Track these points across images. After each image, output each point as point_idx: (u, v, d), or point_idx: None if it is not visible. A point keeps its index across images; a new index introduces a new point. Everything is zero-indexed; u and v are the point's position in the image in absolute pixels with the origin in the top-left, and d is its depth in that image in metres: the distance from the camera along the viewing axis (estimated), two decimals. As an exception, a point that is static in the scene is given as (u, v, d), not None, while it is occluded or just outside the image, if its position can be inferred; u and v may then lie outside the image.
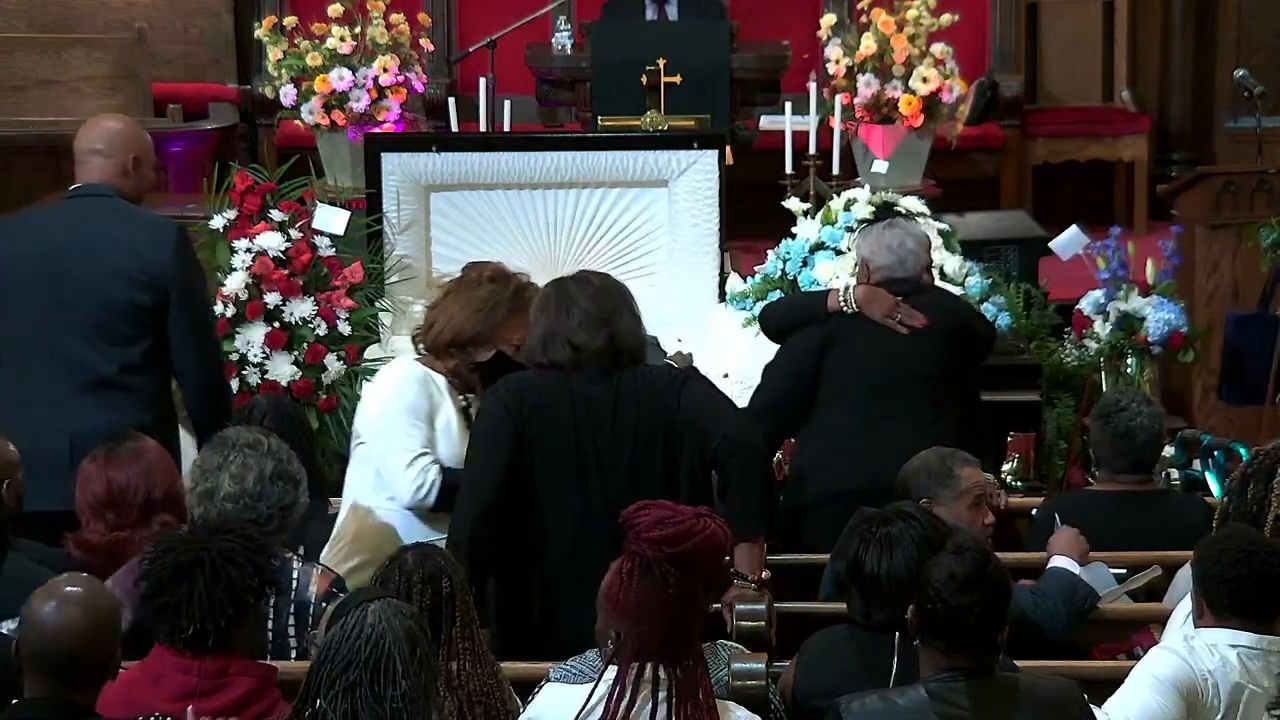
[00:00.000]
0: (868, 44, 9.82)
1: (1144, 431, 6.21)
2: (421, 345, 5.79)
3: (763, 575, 5.31)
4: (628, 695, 4.16)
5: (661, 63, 9.15)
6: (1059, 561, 5.65)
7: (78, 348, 6.11)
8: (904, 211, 8.01)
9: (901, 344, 6.52)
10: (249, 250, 7.90)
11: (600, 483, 5.20)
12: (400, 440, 5.65)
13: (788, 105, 9.31)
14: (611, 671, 4.22)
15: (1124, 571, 5.83)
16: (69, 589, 4.26)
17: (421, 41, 10.16)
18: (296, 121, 10.01)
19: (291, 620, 5.09)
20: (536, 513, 5.21)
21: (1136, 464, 6.23)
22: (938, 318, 6.68)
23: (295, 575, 5.11)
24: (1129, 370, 8.22)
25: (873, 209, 8.14)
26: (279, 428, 5.89)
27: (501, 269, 5.85)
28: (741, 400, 6.76)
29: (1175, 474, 7.40)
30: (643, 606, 4.17)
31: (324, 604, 5.01)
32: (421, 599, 4.40)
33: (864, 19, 10.03)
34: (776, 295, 8.15)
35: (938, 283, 8.00)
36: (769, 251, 8.49)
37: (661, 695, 4.15)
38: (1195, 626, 4.89)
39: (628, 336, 5.29)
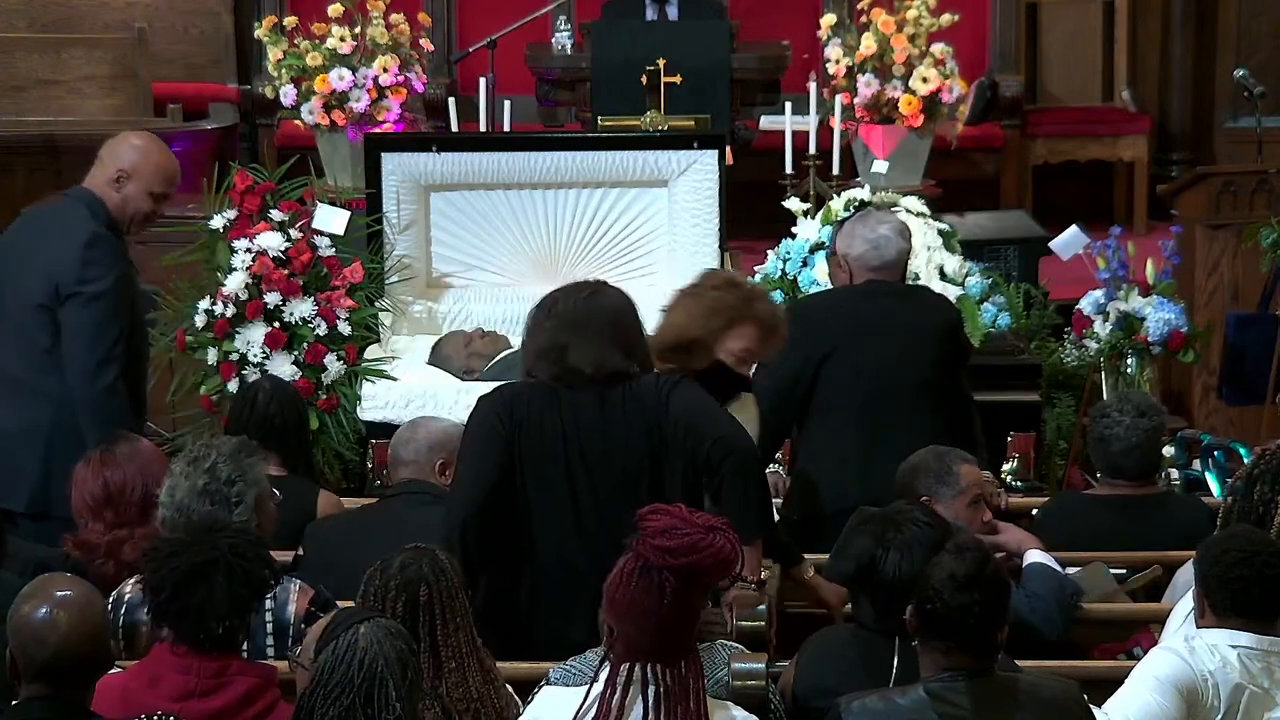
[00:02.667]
0: (868, 44, 9.83)
1: (1119, 441, 6.15)
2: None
3: (762, 576, 5.30)
4: (618, 694, 4.16)
5: (661, 63, 9.15)
6: (1036, 557, 5.63)
7: (5, 342, 6.28)
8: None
9: (899, 351, 6.49)
10: (249, 250, 7.90)
11: (589, 490, 5.19)
12: None
13: (788, 105, 9.31)
14: (607, 669, 4.22)
15: (1124, 572, 5.83)
16: (59, 592, 4.24)
17: (421, 41, 10.16)
18: (296, 121, 10.01)
19: (270, 639, 5.05)
20: (525, 519, 5.21)
21: (1114, 470, 6.19)
22: (929, 317, 6.67)
23: (273, 592, 5.03)
24: (1129, 370, 8.21)
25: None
26: (281, 410, 5.90)
27: (731, 277, 5.74)
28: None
29: (1175, 474, 7.40)
30: (635, 608, 4.17)
31: (303, 625, 4.97)
32: (395, 606, 4.40)
33: (864, 19, 10.03)
34: (777, 295, 8.16)
35: (937, 283, 8.03)
36: (769, 251, 8.49)
37: (652, 696, 4.15)
38: (1196, 626, 4.89)
39: (642, 357, 5.28)
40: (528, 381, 5.31)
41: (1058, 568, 5.61)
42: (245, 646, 4.90)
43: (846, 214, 7.93)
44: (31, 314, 6.21)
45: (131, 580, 5.14)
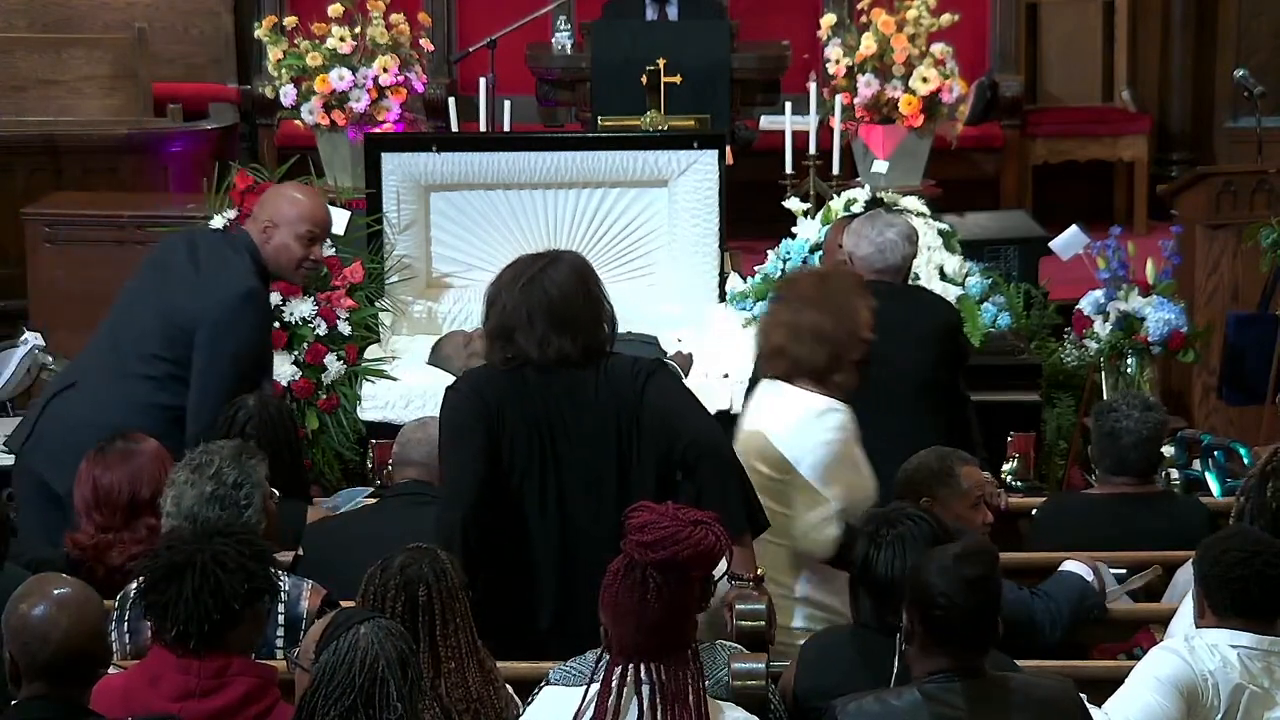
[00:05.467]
0: (868, 44, 9.83)
1: (1129, 434, 6.17)
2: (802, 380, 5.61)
3: (758, 573, 5.28)
4: (613, 695, 4.15)
5: (661, 63, 9.15)
6: (1073, 566, 5.62)
7: (120, 338, 6.36)
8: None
9: (899, 353, 6.47)
10: (249, 250, 7.90)
11: (556, 481, 5.15)
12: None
13: (788, 105, 9.31)
14: (604, 669, 4.22)
15: (1124, 572, 5.83)
16: (56, 590, 4.24)
17: (421, 41, 10.16)
18: (296, 121, 10.01)
19: (280, 634, 5.02)
20: (502, 510, 5.17)
21: (1120, 466, 6.20)
22: (929, 318, 6.65)
23: (285, 590, 5.04)
24: (1129, 370, 8.22)
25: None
26: (260, 436, 5.84)
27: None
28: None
29: (1175, 474, 7.40)
30: (622, 606, 4.15)
31: (315, 622, 4.91)
32: (395, 606, 4.39)
33: (864, 19, 10.04)
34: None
35: (937, 284, 8.03)
36: (769, 251, 8.49)
37: (646, 696, 4.14)
38: (1196, 626, 4.88)
39: (589, 336, 5.25)
40: (493, 368, 5.28)
41: (1089, 579, 5.59)
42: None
43: (845, 214, 7.95)
44: (163, 326, 6.28)
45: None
